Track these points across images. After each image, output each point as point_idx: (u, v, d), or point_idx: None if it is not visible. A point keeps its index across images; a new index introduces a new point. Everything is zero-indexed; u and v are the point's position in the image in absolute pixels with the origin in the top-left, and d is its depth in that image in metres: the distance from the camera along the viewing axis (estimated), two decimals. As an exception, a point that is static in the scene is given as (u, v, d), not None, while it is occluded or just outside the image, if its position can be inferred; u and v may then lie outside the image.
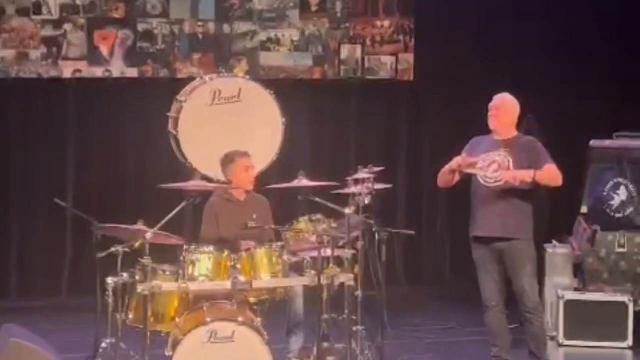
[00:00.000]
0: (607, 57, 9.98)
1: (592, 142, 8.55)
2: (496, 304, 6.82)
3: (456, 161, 6.80)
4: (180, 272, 6.51)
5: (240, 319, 6.41)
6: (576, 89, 9.92)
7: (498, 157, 6.81)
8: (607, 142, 8.50)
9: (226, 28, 9.86)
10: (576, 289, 8.20)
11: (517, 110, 6.95)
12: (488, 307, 6.84)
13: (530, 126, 8.28)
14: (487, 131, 6.99)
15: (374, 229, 6.87)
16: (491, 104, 6.94)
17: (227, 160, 7.16)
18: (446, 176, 6.88)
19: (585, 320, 7.96)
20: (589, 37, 9.95)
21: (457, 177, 6.87)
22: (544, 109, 9.38)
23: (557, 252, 8.41)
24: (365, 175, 7.00)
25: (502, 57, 9.86)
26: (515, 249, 6.79)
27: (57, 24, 9.63)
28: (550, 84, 9.99)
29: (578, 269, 8.31)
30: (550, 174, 6.75)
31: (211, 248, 6.60)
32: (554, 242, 8.56)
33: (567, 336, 8.00)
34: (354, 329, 6.81)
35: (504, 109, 6.91)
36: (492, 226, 6.78)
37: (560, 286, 8.19)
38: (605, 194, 8.29)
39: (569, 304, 8.03)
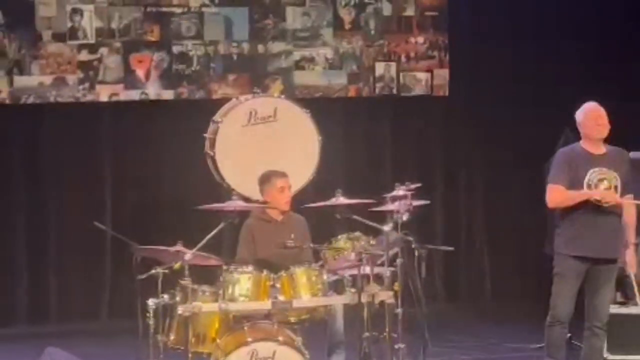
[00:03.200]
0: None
1: (631, 154, 8.45)
2: (566, 320, 6.77)
3: (596, 196, 6.63)
4: (220, 292, 6.50)
5: (280, 338, 6.39)
6: (616, 100, 9.82)
7: (604, 174, 6.73)
8: (644, 154, 8.40)
9: (260, 48, 9.88)
10: (619, 303, 8.11)
11: None
12: (560, 321, 6.75)
13: (569, 140, 8.20)
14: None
15: (412, 246, 6.84)
16: (595, 114, 6.76)
17: (264, 180, 7.16)
18: (573, 200, 6.66)
19: (629, 334, 7.85)
20: (627, 45, 9.88)
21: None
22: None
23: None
24: (403, 192, 6.97)
25: (539, 70, 9.79)
26: (613, 268, 6.80)
27: (93, 48, 9.68)
28: (587, 96, 9.90)
29: (620, 282, 8.22)
30: None
31: (250, 268, 6.59)
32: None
33: (612, 351, 7.89)
34: (395, 346, 6.77)
35: (606, 116, 6.80)
36: (603, 246, 6.69)
37: (603, 300, 8.09)
38: (646, 205, 8.19)
39: (613, 318, 7.91)
